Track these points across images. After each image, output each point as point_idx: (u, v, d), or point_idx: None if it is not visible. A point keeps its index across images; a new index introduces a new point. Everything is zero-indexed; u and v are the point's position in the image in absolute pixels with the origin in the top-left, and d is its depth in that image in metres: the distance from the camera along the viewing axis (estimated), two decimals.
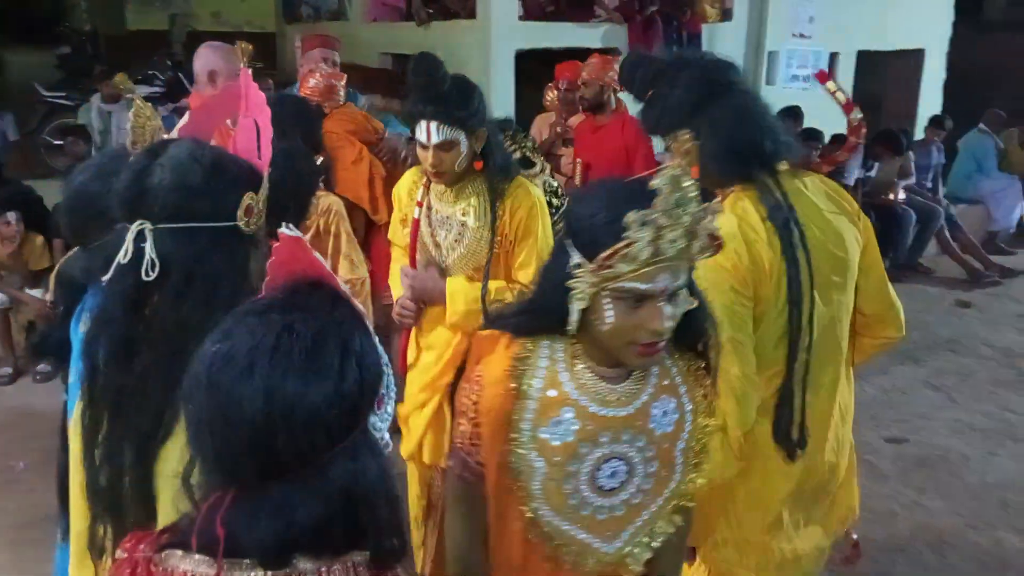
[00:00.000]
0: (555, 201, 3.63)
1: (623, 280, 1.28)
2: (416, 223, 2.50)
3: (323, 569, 0.93)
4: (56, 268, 2.09)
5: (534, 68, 6.35)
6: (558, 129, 4.81)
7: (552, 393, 1.43)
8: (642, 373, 1.46)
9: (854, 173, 7.24)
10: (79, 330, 1.73)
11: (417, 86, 2.30)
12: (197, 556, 0.93)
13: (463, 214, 2.41)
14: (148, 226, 1.21)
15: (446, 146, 2.30)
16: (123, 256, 1.21)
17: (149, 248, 1.20)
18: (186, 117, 2.36)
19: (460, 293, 2.39)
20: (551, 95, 5.32)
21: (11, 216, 4.93)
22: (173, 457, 1.20)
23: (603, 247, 1.27)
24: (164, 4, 13.44)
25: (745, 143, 1.83)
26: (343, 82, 3.99)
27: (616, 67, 4.44)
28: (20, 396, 4.82)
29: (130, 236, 1.21)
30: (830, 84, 2.15)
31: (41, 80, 8.98)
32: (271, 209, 1.35)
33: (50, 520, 3.36)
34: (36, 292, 5.08)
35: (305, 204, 2.22)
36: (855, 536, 2.35)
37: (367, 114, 4.30)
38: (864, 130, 2.23)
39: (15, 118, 7.59)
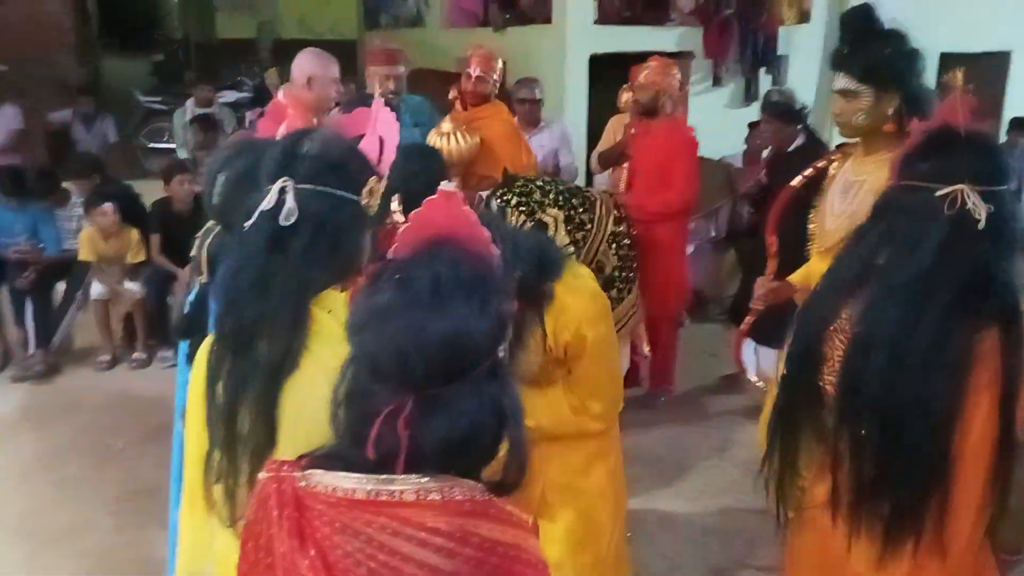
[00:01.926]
0: (620, 228, 3.70)
1: None
2: None
3: (445, 488, 1.01)
4: (204, 252, 2.25)
5: (608, 70, 6.43)
6: (632, 131, 4.83)
7: None
8: None
9: None
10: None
11: None
12: (341, 473, 1.02)
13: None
14: (291, 183, 1.41)
15: None
16: (267, 204, 1.41)
17: (290, 199, 1.40)
18: (269, 110, 2.45)
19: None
20: (626, 96, 5.37)
21: (107, 206, 5.12)
22: (298, 390, 1.38)
23: None
24: (252, 13, 13.92)
25: None
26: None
27: (677, 72, 4.42)
28: (118, 382, 5.11)
29: (276, 187, 1.41)
30: None
31: (138, 86, 9.46)
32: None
33: (146, 493, 3.60)
34: (133, 285, 5.34)
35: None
36: None
37: None
38: None
39: (115, 121, 8.00)
